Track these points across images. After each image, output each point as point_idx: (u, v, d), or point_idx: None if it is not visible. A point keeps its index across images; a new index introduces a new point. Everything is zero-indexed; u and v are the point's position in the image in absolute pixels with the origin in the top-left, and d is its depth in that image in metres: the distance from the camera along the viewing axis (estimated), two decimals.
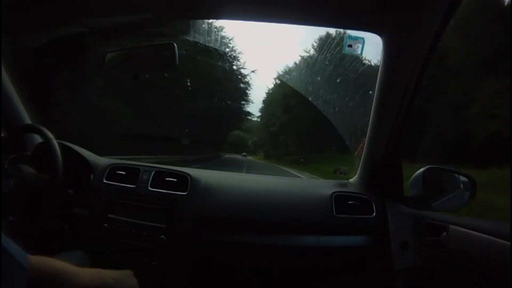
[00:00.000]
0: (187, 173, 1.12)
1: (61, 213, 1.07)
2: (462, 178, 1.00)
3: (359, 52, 1.01)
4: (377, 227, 1.04)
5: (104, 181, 1.11)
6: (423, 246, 0.91)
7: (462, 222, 0.82)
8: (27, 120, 1.19)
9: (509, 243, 0.66)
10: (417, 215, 0.98)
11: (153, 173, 1.11)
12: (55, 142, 0.99)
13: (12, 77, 1.13)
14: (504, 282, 0.66)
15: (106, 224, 1.04)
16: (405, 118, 0.94)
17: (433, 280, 0.90)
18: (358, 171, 1.18)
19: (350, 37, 1.00)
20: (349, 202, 1.07)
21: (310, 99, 1.71)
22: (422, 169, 0.98)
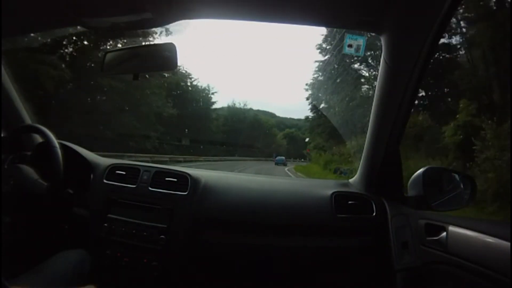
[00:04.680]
0: (187, 173, 1.12)
1: (61, 213, 1.07)
2: (462, 178, 1.00)
3: (359, 52, 1.01)
4: (377, 227, 1.04)
5: (104, 181, 1.11)
6: (423, 246, 0.91)
7: (461, 223, 0.82)
8: (27, 120, 1.19)
9: (509, 243, 0.66)
10: (417, 215, 0.98)
11: (153, 173, 1.11)
12: (56, 144, 0.99)
13: (12, 77, 1.13)
14: (504, 282, 0.65)
15: (106, 224, 1.04)
16: (405, 118, 0.94)
17: (432, 280, 0.90)
18: (358, 171, 1.18)
19: (350, 37, 1.00)
20: (349, 202, 1.07)
21: None
22: (422, 169, 0.97)
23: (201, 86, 18.80)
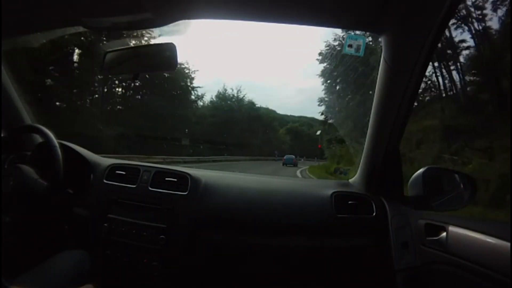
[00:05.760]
0: (187, 173, 1.12)
1: (61, 213, 1.07)
2: (462, 178, 1.00)
3: (359, 52, 1.01)
4: (377, 227, 1.04)
5: (104, 181, 1.11)
6: (423, 246, 0.91)
7: (462, 222, 0.82)
8: (27, 120, 1.19)
9: (509, 243, 0.66)
10: (417, 215, 0.98)
11: (153, 173, 1.11)
12: (56, 144, 0.99)
13: (12, 77, 1.13)
14: (504, 282, 0.65)
15: (106, 224, 1.04)
16: (405, 118, 0.94)
17: (432, 280, 0.90)
18: (358, 171, 1.18)
19: (350, 37, 1.00)
20: (349, 202, 1.07)
21: None
22: (422, 169, 0.97)
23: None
